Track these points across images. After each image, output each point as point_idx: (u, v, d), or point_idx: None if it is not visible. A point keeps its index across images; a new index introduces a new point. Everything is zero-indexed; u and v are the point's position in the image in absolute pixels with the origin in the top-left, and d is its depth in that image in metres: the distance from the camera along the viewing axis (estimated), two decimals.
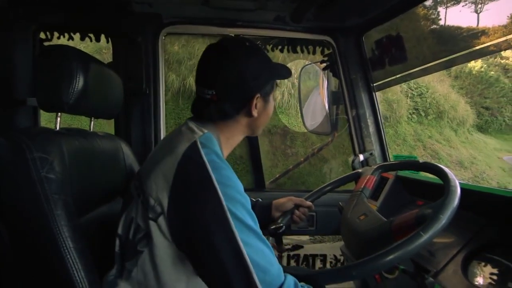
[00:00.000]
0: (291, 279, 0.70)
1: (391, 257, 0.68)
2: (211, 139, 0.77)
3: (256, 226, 0.69)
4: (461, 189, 0.78)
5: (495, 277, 0.79)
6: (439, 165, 0.92)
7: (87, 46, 5.07)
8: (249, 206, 0.71)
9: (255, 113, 0.84)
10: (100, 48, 5.53)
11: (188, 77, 5.84)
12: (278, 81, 0.92)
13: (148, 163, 0.83)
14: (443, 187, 0.80)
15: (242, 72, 0.81)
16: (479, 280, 0.80)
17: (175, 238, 0.70)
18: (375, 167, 1.13)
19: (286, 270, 0.72)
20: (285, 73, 0.93)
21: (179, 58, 6.01)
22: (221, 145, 0.82)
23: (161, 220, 0.70)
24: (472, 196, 0.95)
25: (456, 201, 0.74)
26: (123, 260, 0.77)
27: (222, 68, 0.81)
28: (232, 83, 0.81)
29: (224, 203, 0.66)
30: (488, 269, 0.82)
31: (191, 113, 0.88)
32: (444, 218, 0.70)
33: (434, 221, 0.70)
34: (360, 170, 1.17)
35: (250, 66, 0.82)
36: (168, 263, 0.72)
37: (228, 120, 0.84)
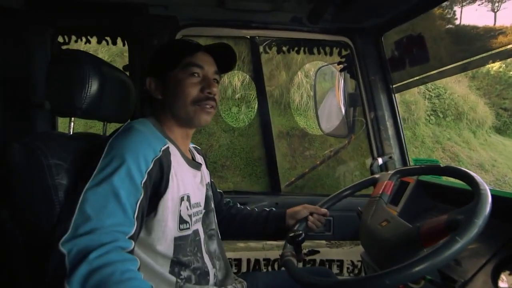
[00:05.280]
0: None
1: (427, 263, 0.63)
2: (142, 121, 0.85)
3: (117, 182, 0.69)
4: None
5: None
6: (463, 168, 0.87)
7: (109, 48, 5.12)
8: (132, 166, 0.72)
9: (154, 94, 0.91)
10: (121, 52, 5.58)
11: None
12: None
13: None
14: (468, 192, 0.77)
15: None
16: None
17: None
18: (392, 172, 1.09)
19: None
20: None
21: None
22: (161, 129, 0.89)
23: None
24: (499, 202, 0.90)
25: (488, 205, 0.70)
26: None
27: None
28: None
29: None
30: None
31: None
32: (479, 222, 0.66)
33: (469, 226, 0.66)
34: (377, 176, 1.14)
35: None
36: None
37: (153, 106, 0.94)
